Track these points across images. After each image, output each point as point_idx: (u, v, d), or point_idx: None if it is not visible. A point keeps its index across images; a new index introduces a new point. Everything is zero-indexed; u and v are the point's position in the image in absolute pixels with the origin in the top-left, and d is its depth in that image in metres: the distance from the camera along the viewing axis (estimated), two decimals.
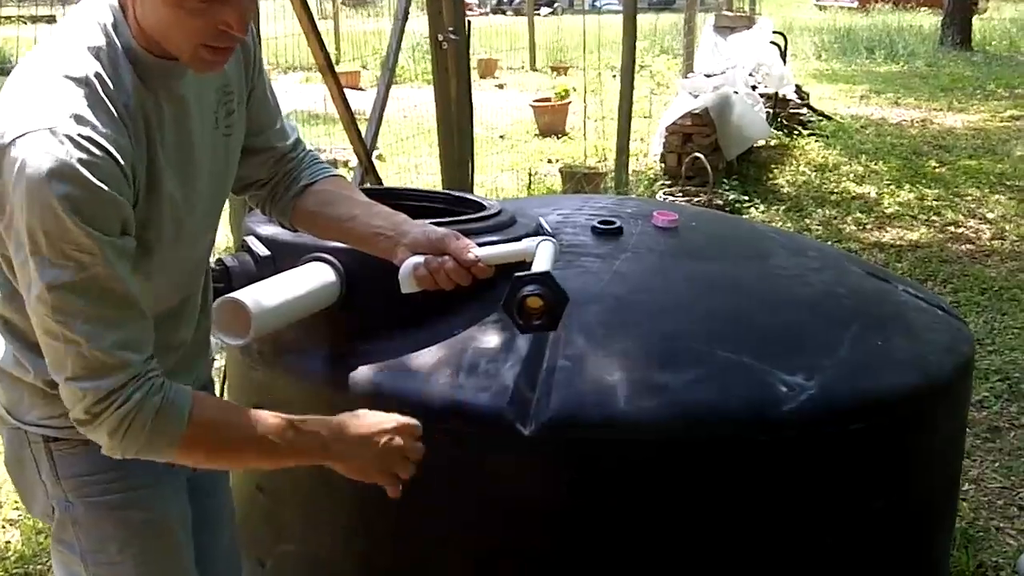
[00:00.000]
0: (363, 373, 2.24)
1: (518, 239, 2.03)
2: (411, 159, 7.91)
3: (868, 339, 2.37)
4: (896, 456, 2.30)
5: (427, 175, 7.68)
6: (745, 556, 2.19)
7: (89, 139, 1.42)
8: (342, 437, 1.69)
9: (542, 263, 1.75)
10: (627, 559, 2.16)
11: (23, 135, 1.40)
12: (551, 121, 11.04)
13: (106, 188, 1.42)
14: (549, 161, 9.44)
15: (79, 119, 1.42)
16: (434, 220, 2.37)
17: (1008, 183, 8.41)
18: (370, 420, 1.71)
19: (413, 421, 1.76)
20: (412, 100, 8.78)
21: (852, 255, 3.70)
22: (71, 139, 1.40)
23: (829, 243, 6.95)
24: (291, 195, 1.98)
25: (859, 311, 2.48)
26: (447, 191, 2.78)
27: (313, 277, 2.20)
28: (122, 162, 1.45)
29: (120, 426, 1.51)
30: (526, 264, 1.85)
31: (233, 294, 2.06)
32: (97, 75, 1.48)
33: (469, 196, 2.67)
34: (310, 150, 2.04)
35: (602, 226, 2.63)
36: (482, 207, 2.54)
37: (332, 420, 1.71)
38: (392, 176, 7.66)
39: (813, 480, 2.20)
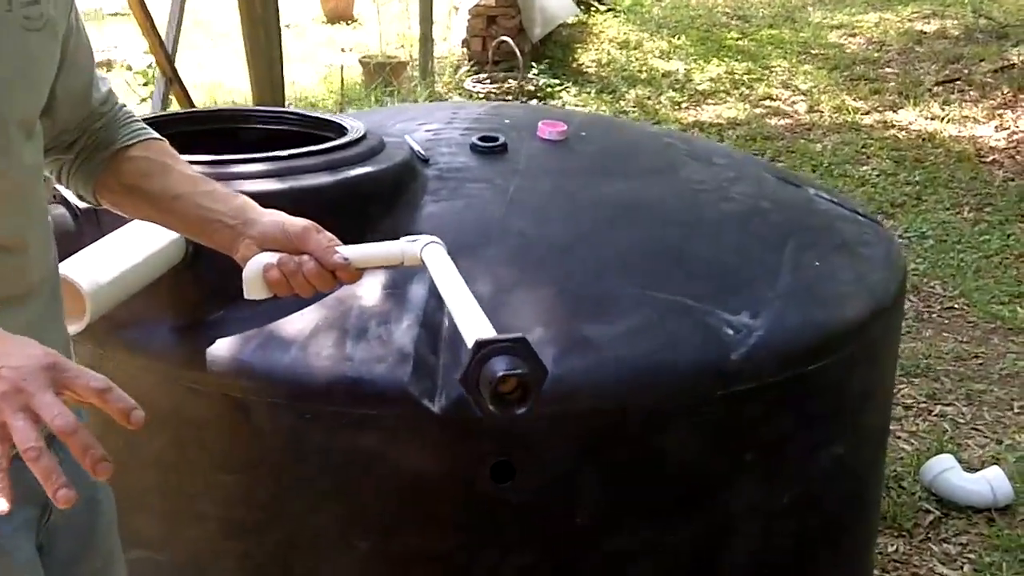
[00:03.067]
0: (223, 347, 1.83)
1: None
2: (195, 55, 7.19)
3: (806, 261, 2.07)
4: (853, 392, 2.03)
5: (226, 75, 7.00)
6: (700, 528, 1.89)
7: None
8: None
9: (454, 290, 1.34)
10: (566, 551, 1.82)
11: None
12: (337, 7, 10.36)
13: None
14: (343, 50, 8.82)
15: None
16: (296, 151, 1.94)
17: (813, 52, 8.35)
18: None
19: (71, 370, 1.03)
20: None
21: (755, 158, 3.39)
22: None
23: (648, 124, 6.72)
24: (98, 161, 1.49)
25: (789, 227, 2.16)
26: (299, 111, 2.31)
27: (152, 233, 1.77)
28: None
29: None
30: (403, 266, 1.48)
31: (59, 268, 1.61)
32: None
33: (326, 116, 2.21)
34: (123, 104, 1.55)
35: (483, 143, 2.22)
36: (343, 130, 2.10)
37: None
38: (194, 83, 6.93)
39: (770, 434, 1.91)
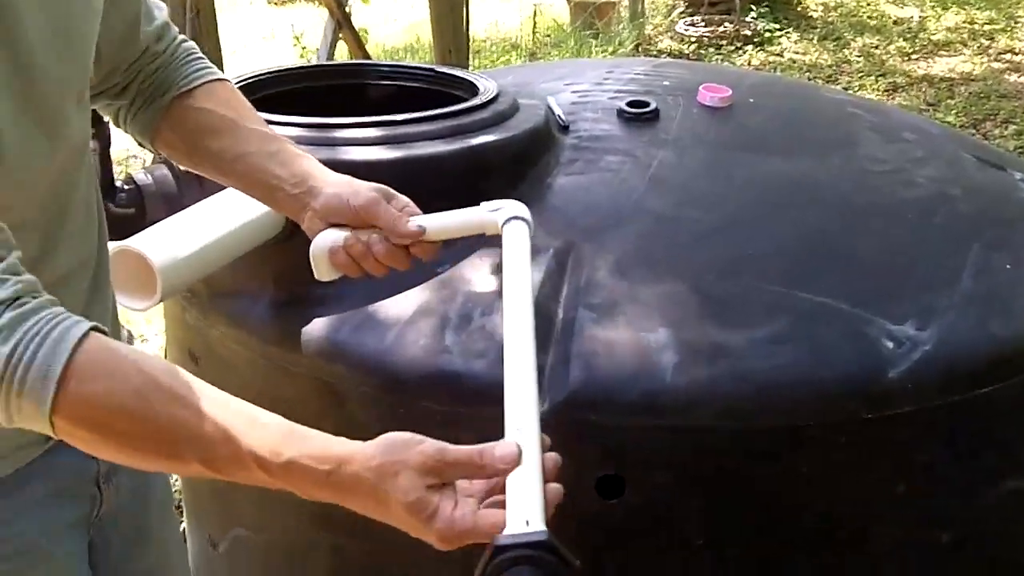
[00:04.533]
0: (317, 327, 1.69)
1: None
2: None
3: (995, 262, 1.76)
4: None
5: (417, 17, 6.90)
6: (835, 568, 1.65)
7: None
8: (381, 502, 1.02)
9: (515, 302, 1.17)
10: None
11: None
12: None
13: None
14: None
15: None
16: (412, 116, 1.76)
17: None
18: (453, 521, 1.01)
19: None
20: None
21: (958, 132, 3.02)
22: None
23: (872, 77, 6.27)
24: (157, 107, 1.35)
25: (980, 221, 1.86)
26: (430, 66, 2.13)
27: (243, 204, 1.63)
28: None
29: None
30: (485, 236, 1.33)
31: (131, 241, 1.53)
32: None
33: (458, 73, 2.03)
34: (182, 39, 1.39)
35: (632, 109, 1.99)
36: (474, 88, 1.91)
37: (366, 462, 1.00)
38: (376, 24, 6.87)
39: (929, 464, 1.64)
